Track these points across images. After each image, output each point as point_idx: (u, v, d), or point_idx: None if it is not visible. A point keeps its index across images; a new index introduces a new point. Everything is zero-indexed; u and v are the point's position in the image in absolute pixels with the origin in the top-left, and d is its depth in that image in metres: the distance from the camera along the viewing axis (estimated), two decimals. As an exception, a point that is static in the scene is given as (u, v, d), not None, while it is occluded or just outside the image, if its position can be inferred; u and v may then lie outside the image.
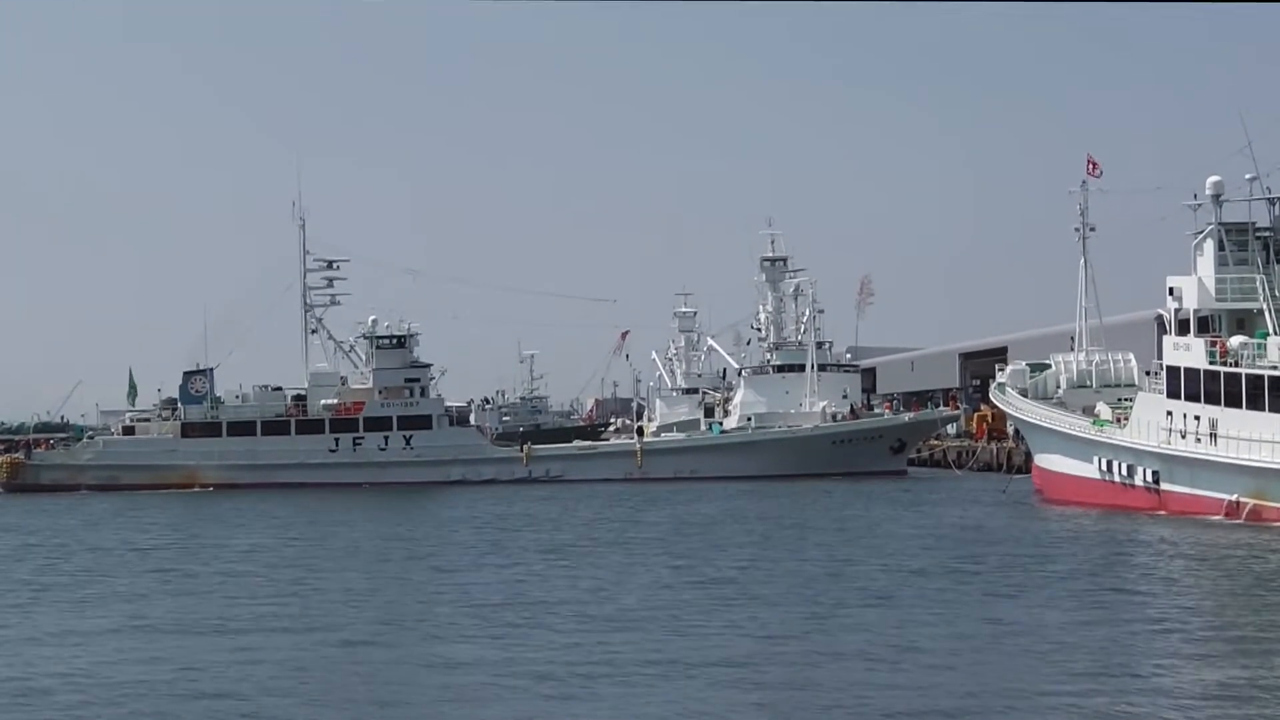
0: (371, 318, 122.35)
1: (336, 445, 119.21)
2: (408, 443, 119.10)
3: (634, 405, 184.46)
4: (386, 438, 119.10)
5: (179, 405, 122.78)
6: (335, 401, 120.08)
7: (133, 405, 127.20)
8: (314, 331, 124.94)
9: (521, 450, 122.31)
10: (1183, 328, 71.82)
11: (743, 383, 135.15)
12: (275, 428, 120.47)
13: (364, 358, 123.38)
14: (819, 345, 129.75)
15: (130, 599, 48.34)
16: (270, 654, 37.17)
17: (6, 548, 68.37)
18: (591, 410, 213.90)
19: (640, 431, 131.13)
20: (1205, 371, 68.34)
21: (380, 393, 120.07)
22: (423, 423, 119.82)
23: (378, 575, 54.11)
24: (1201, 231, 72.14)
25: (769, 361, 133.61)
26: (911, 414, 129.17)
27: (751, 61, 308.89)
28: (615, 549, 61.32)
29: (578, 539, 66.35)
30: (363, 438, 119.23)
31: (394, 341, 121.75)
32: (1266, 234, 71.01)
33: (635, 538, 66.37)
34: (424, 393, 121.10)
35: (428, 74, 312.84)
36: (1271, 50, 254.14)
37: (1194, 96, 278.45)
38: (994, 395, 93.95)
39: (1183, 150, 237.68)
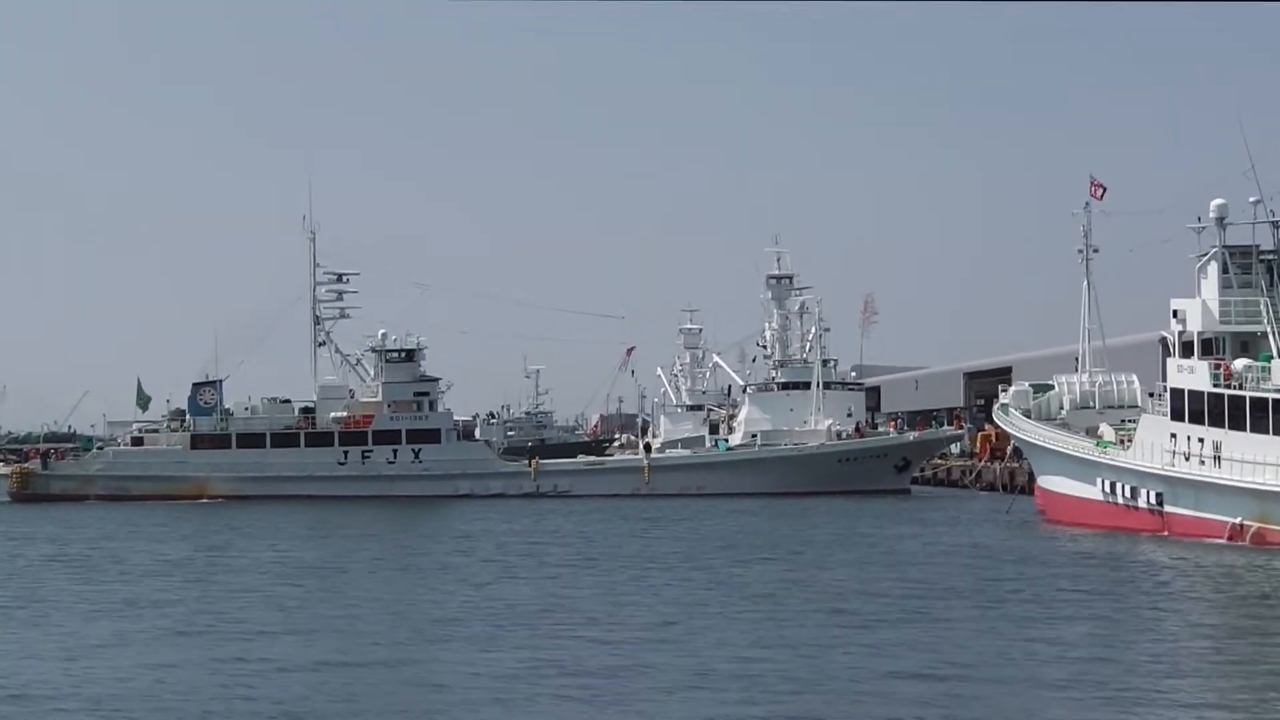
0: (381, 331, 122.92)
1: (345, 458, 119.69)
2: (416, 456, 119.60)
3: (639, 421, 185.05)
4: (395, 451, 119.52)
5: (187, 416, 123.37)
6: (344, 414, 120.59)
7: (144, 410, 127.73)
8: (321, 344, 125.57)
9: (530, 465, 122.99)
10: (1186, 350, 71.98)
11: (747, 400, 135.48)
12: (284, 440, 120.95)
13: (371, 371, 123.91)
14: (824, 363, 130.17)
15: (164, 609, 49.06)
16: (306, 662, 37.94)
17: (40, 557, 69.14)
18: (596, 425, 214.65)
19: (648, 448, 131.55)
20: (1209, 394, 68.30)
21: (389, 406, 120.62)
22: (431, 436, 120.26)
23: (408, 586, 54.74)
24: (1205, 254, 72.10)
25: (774, 379, 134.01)
26: (916, 433, 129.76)
27: (761, 80, 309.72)
28: (640, 563, 61.90)
29: (599, 554, 66.95)
30: (371, 451, 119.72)
31: (402, 355, 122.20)
32: (1270, 257, 70.98)
33: (657, 553, 66.95)
34: (433, 406, 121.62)
35: (439, 88, 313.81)
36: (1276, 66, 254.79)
37: (1198, 118, 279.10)
38: (997, 416, 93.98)
39: (1185, 172, 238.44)
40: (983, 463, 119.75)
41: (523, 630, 42.64)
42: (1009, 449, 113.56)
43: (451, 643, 40.87)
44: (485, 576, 57.64)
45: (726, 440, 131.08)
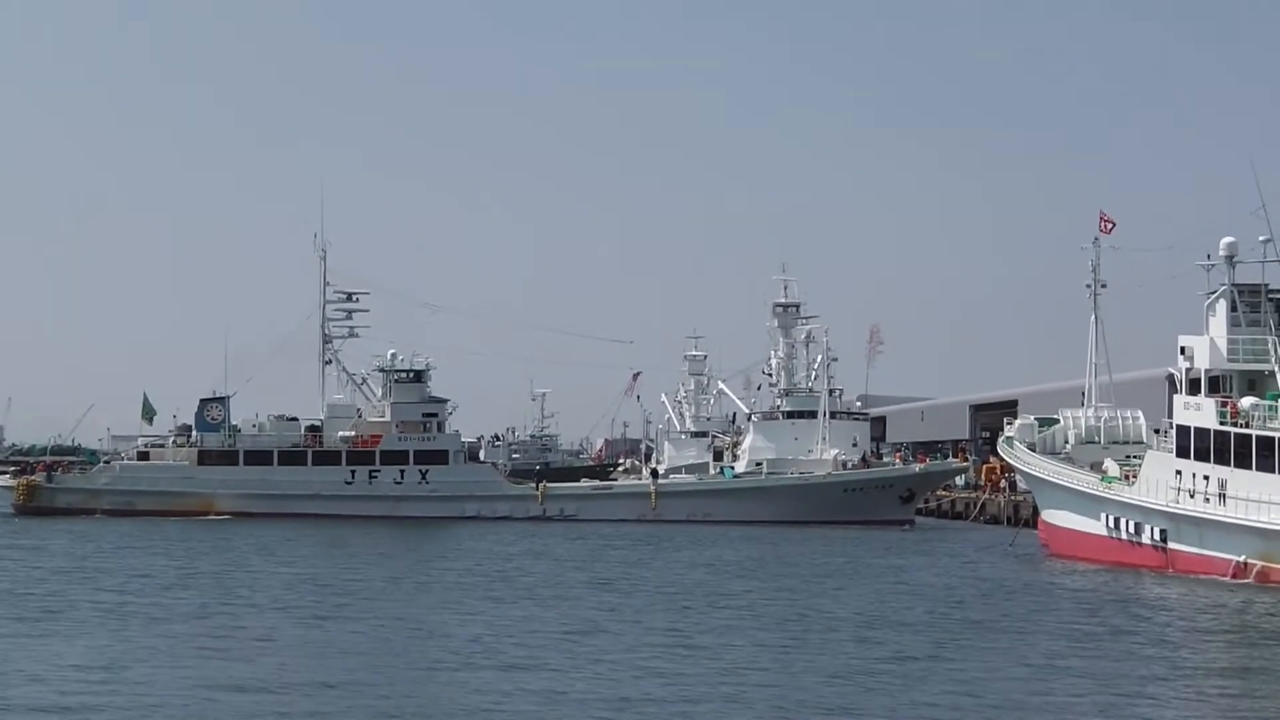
0: (391, 351, 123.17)
1: (353, 477, 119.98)
2: (423, 477, 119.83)
3: (643, 447, 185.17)
4: (403, 471, 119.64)
5: (193, 432, 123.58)
6: (352, 434, 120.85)
7: (150, 424, 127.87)
8: (328, 363, 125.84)
9: (537, 489, 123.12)
10: (1194, 387, 72.05)
11: (752, 427, 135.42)
12: (292, 458, 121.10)
13: (377, 390, 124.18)
14: (830, 392, 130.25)
15: (190, 624, 49.69)
16: (340, 680, 38.49)
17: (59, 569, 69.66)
18: (601, 450, 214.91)
19: (655, 473, 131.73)
20: (1215, 431, 68.45)
21: (397, 426, 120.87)
22: (439, 458, 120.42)
23: (432, 608, 55.06)
24: (1214, 292, 72.39)
25: (779, 407, 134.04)
26: (919, 465, 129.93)
27: (771, 108, 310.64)
28: (661, 589, 62.33)
29: (617, 578, 67.35)
30: (379, 471, 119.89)
31: (410, 375, 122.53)
32: (1279, 296, 71.49)
33: (676, 578, 67.45)
34: (440, 428, 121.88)
35: (452, 110, 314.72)
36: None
37: (1210, 156, 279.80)
38: (1002, 449, 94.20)
39: (1196, 209, 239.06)
40: (986, 495, 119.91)
41: (553, 653, 43.17)
42: (1001, 480, 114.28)
43: (483, 666, 41.29)
44: (505, 599, 58.02)
45: (732, 467, 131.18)
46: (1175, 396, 74.34)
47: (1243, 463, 66.87)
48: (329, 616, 51.85)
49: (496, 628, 48.83)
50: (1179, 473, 71.17)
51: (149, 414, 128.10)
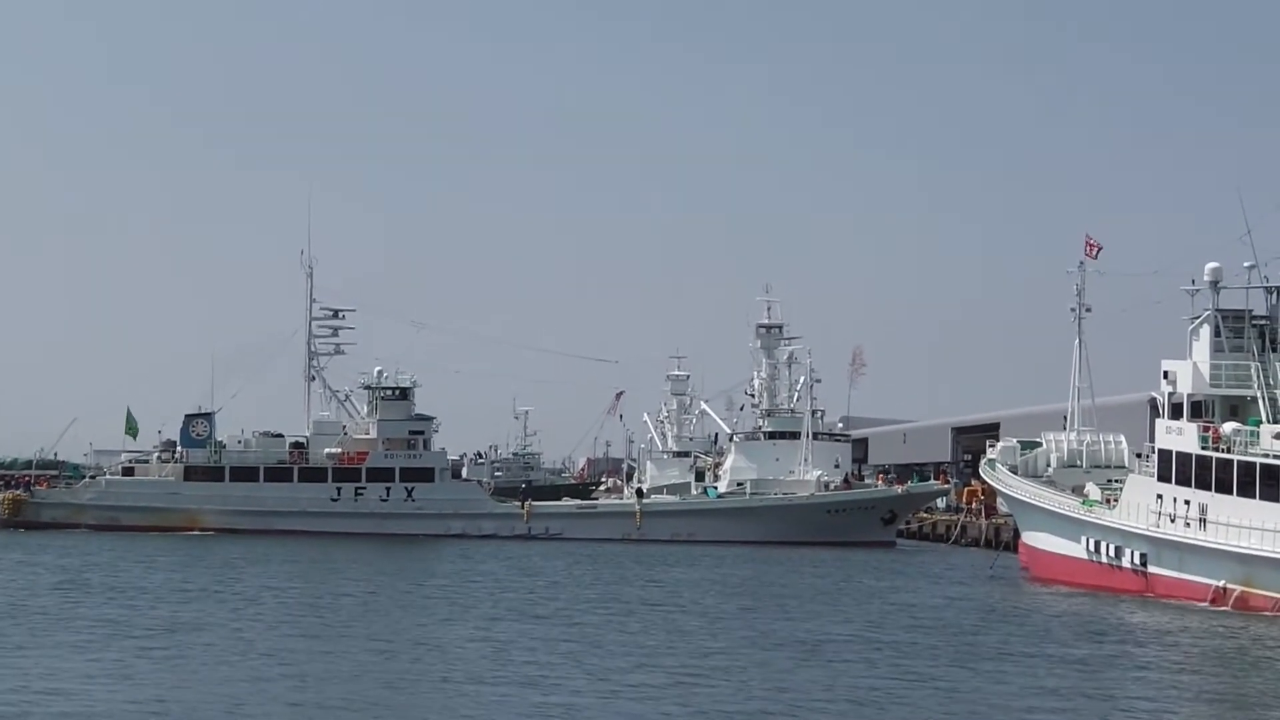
0: (377, 369, 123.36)
1: (338, 494, 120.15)
2: (409, 495, 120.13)
3: (624, 466, 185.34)
4: (388, 489, 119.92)
5: (178, 448, 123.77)
6: (338, 450, 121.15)
7: (134, 439, 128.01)
8: (312, 379, 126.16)
9: (522, 507, 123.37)
10: (1176, 412, 72.34)
11: (734, 448, 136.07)
12: (278, 474, 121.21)
13: (362, 408, 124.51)
14: (812, 413, 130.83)
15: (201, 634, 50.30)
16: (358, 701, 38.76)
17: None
18: (583, 469, 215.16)
19: (640, 493, 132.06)
20: (1197, 456, 68.66)
21: (383, 443, 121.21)
22: (425, 475, 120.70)
23: (437, 626, 55.40)
24: (1198, 317, 72.71)
25: (761, 428, 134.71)
26: (900, 487, 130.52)
27: (757, 128, 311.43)
28: (661, 610, 62.69)
29: (622, 600, 67.63)
30: (365, 488, 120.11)
31: (396, 393, 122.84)
32: (1263, 322, 71.61)
33: (675, 599, 67.84)
34: (426, 445, 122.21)
35: (438, 129, 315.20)
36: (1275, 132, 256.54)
37: (1196, 182, 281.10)
38: (984, 471, 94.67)
39: (1181, 235, 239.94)
40: (968, 518, 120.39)
41: (558, 672, 43.58)
42: (974, 503, 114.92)
43: (488, 685, 41.61)
44: (502, 618, 58.33)
45: (715, 487, 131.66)
46: (1157, 421, 74.60)
47: (1223, 488, 67.12)
48: (320, 635, 52.14)
49: (497, 646, 49.19)
50: (1160, 497, 71.51)
51: (132, 429, 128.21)
